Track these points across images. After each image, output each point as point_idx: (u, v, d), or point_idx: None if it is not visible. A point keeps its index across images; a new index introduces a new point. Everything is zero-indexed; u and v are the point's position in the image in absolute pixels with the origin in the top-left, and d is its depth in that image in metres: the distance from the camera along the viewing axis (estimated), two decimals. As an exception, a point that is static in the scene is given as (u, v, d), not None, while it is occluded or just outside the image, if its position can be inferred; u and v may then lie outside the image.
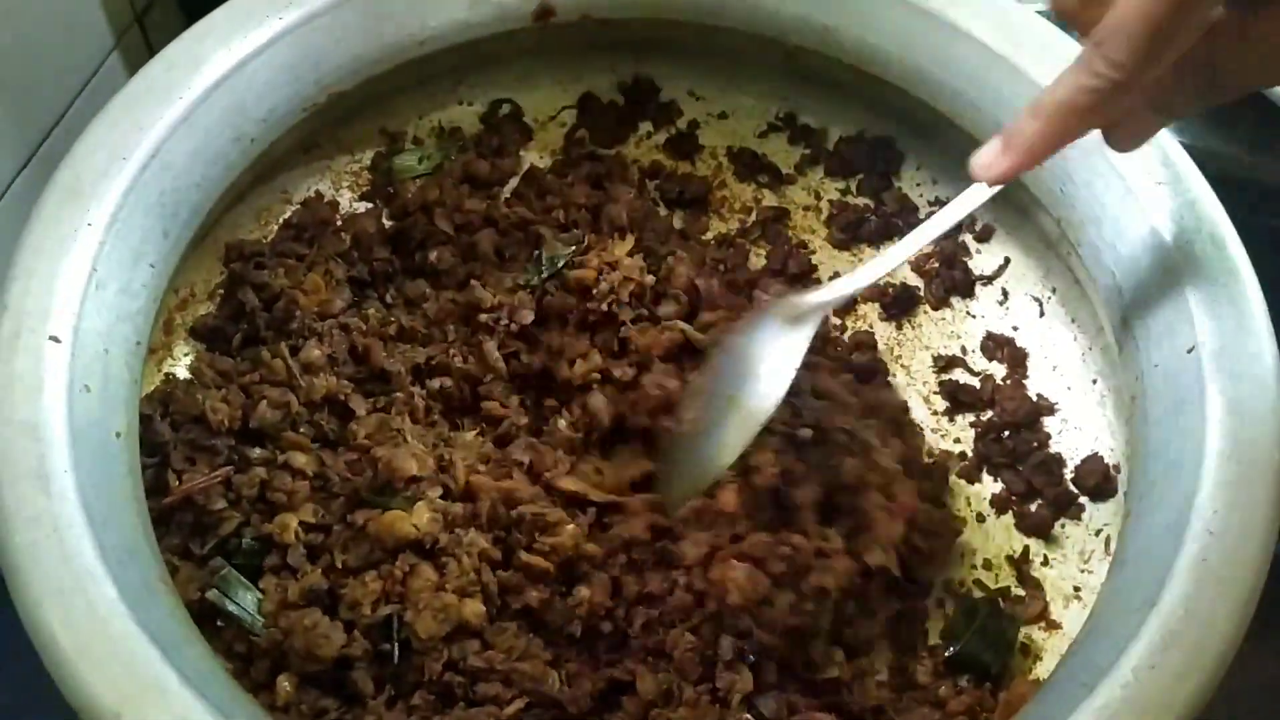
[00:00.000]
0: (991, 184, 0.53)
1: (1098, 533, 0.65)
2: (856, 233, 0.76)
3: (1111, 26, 0.45)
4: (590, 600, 0.59)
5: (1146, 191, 0.62)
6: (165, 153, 0.62)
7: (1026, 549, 0.65)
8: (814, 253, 0.75)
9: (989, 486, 0.68)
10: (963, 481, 0.68)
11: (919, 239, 0.57)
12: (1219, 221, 0.60)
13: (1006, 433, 0.69)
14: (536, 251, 0.70)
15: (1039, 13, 0.69)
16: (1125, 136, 0.53)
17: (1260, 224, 0.62)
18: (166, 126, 0.62)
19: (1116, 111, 0.50)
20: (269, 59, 0.66)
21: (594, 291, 0.68)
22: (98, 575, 0.50)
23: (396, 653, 0.58)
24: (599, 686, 0.59)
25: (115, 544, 0.52)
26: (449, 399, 0.67)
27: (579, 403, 0.66)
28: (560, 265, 0.69)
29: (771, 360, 0.58)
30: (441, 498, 0.61)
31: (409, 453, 0.62)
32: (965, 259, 0.74)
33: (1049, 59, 0.66)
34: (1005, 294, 0.73)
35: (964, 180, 0.73)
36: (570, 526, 0.60)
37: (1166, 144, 0.63)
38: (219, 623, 0.60)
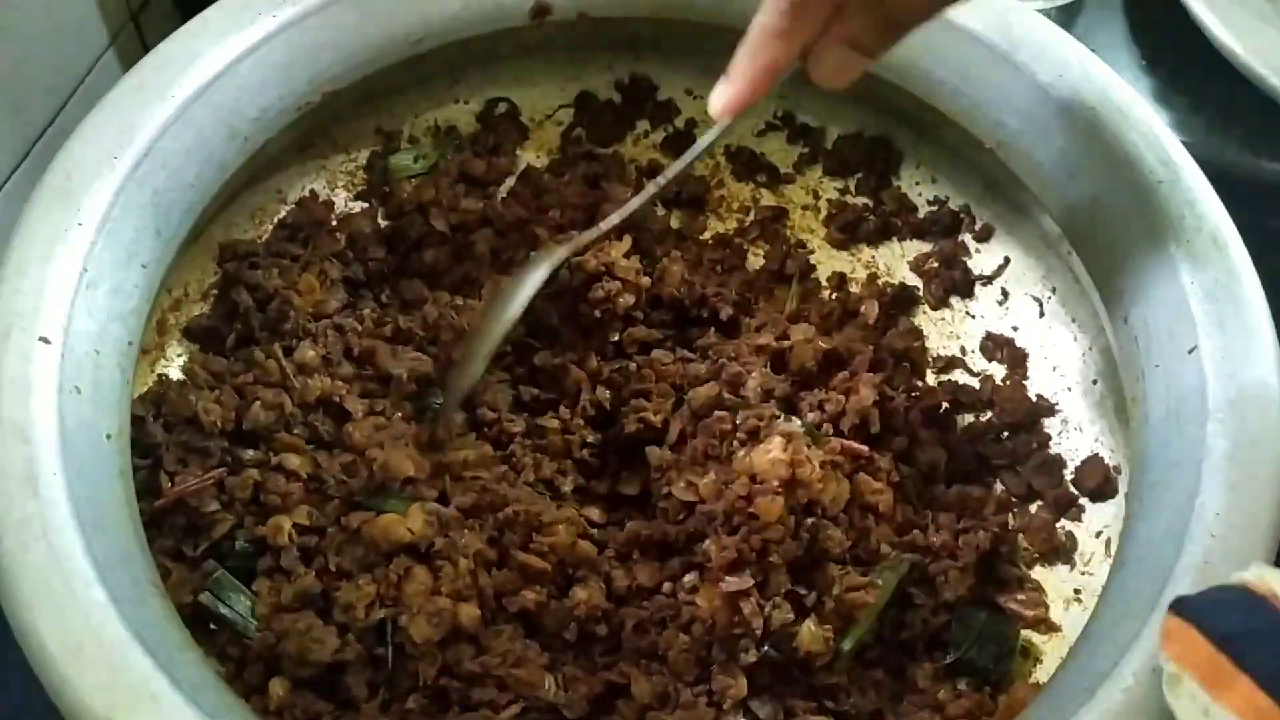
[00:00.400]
0: (728, 115, 0.57)
1: (1098, 534, 0.65)
2: (855, 232, 0.75)
3: None
4: (587, 602, 0.59)
5: (1147, 190, 0.61)
6: (158, 151, 0.61)
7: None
8: (812, 252, 0.75)
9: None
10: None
11: (660, 181, 0.64)
12: (1220, 221, 0.60)
13: (1006, 434, 0.68)
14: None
15: (1039, 11, 0.68)
16: (828, 73, 0.56)
17: (1261, 224, 0.62)
18: (159, 125, 0.62)
19: (798, 43, 0.54)
20: (263, 57, 0.65)
21: (590, 297, 0.67)
22: (88, 579, 0.50)
23: (390, 656, 0.57)
24: (595, 691, 0.58)
25: (106, 547, 0.52)
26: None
27: (571, 405, 0.66)
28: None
29: (517, 294, 0.64)
30: (437, 500, 0.61)
31: (404, 454, 0.61)
32: (965, 259, 0.73)
33: (1048, 57, 0.65)
34: (1005, 294, 0.72)
35: (960, 179, 0.75)
36: (564, 526, 0.60)
37: (1167, 143, 0.62)
38: (212, 626, 0.60)
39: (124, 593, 0.51)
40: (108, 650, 0.49)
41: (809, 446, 0.59)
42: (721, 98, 0.57)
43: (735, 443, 0.61)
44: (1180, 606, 0.45)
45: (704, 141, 0.61)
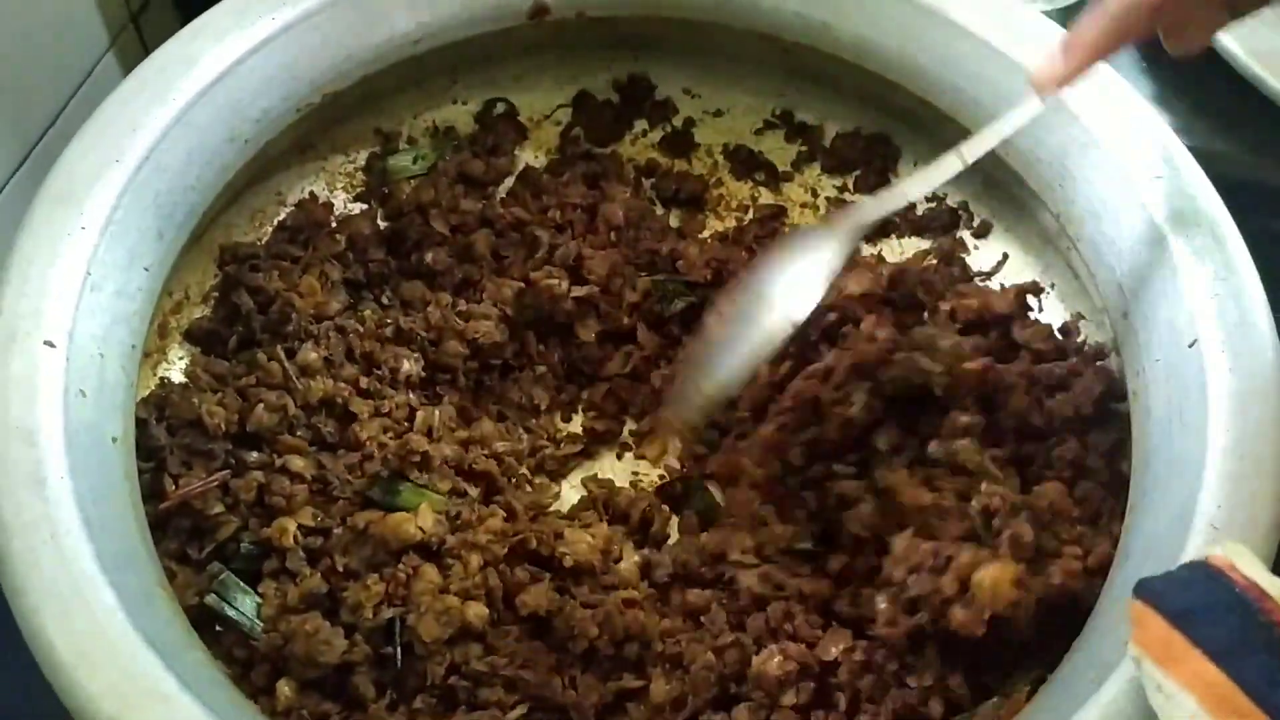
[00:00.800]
0: (1057, 88, 0.53)
1: (1101, 528, 0.65)
2: (854, 230, 0.75)
3: None
4: (592, 638, 0.59)
5: (1146, 186, 0.61)
6: (159, 154, 0.61)
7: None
8: (812, 250, 0.75)
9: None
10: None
11: (966, 155, 0.58)
12: (1219, 216, 0.60)
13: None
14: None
15: (1044, 13, 0.68)
16: (1190, 35, 0.52)
17: (1261, 225, 0.62)
18: (161, 127, 0.62)
19: (1184, 8, 0.49)
20: (263, 58, 0.66)
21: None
22: (96, 581, 0.50)
23: (399, 656, 0.57)
24: (605, 700, 0.58)
25: (113, 549, 0.52)
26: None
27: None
28: None
29: (801, 277, 0.58)
30: (451, 492, 0.62)
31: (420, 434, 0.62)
32: (963, 255, 0.73)
33: (1047, 54, 0.65)
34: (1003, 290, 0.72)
35: (962, 175, 0.74)
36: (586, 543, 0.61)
37: (1166, 139, 0.63)
38: (217, 628, 0.59)
39: (132, 594, 0.51)
40: (116, 651, 0.49)
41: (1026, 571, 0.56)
42: (1054, 70, 0.52)
43: (967, 524, 0.58)
44: (1140, 589, 0.45)
45: (1011, 123, 0.56)
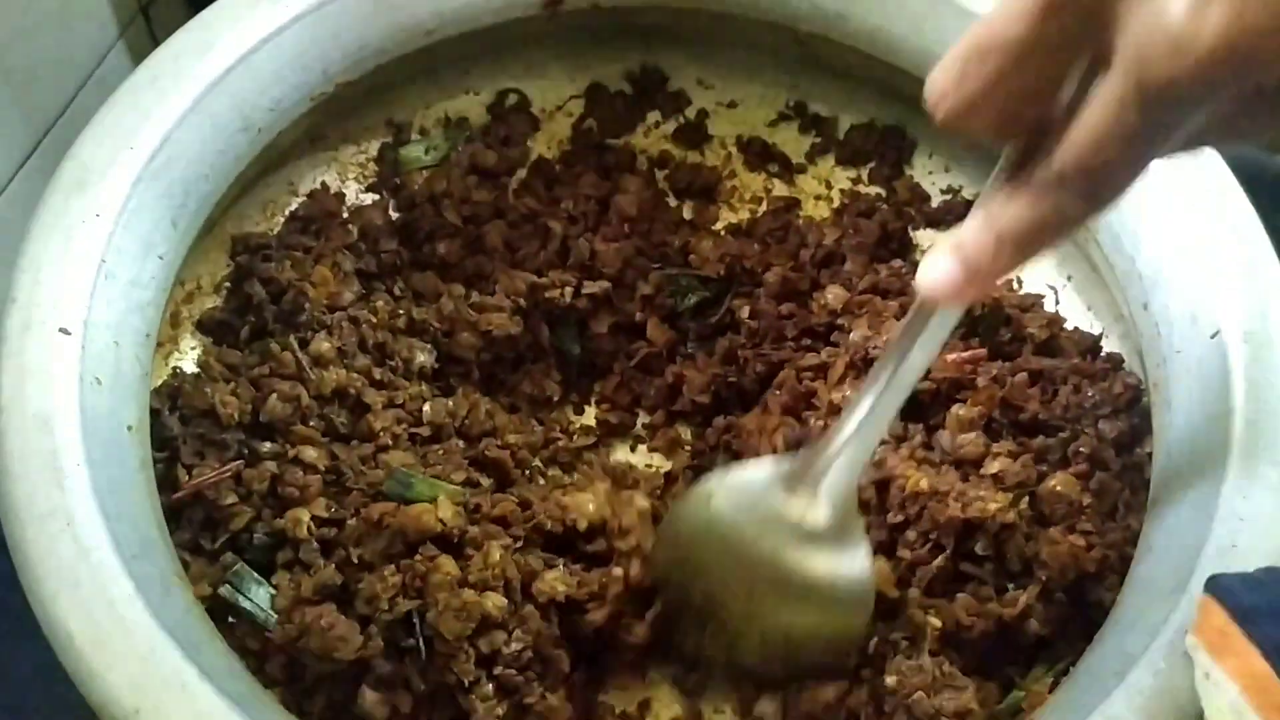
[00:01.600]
0: (956, 307, 0.46)
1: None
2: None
3: (1073, 164, 0.37)
4: (600, 625, 0.59)
5: (1167, 175, 0.61)
6: (174, 142, 0.61)
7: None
8: (825, 243, 0.75)
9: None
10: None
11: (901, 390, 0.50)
12: (1241, 206, 0.60)
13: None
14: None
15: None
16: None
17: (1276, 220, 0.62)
18: (175, 116, 0.61)
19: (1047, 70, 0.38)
20: (276, 48, 0.65)
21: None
22: (114, 570, 0.50)
23: (422, 648, 0.57)
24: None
25: (130, 538, 0.51)
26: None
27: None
28: None
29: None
30: (464, 483, 0.61)
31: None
32: (979, 247, 0.73)
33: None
34: (1020, 282, 0.72)
35: (974, 168, 0.75)
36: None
37: (1186, 129, 0.62)
38: (230, 619, 0.59)
39: (149, 584, 0.50)
40: (135, 641, 0.48)
41: None
42: (954, 290, 0.41)
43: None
44: (1210, 583, 0.46)
45: (929, 346, 0.47)
